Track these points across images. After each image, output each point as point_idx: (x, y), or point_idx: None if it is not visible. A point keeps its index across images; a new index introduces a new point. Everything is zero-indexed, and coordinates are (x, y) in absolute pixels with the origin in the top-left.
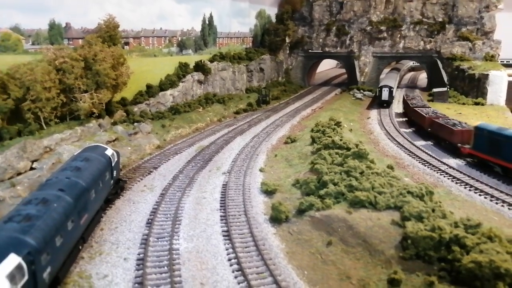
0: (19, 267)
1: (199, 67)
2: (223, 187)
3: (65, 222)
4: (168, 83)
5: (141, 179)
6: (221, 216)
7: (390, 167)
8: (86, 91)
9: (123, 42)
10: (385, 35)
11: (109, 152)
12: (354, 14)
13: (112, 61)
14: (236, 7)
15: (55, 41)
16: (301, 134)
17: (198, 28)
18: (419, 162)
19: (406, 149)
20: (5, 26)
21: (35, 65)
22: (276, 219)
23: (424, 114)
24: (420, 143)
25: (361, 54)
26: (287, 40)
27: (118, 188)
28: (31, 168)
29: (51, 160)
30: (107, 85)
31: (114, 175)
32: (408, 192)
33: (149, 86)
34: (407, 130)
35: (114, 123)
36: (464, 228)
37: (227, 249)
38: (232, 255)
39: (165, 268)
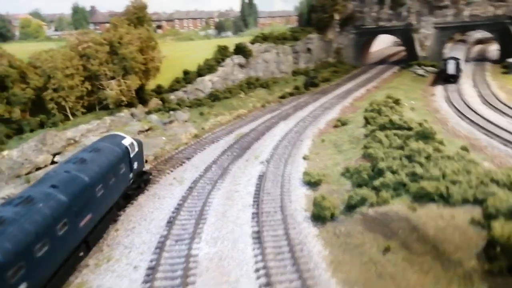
0: None
1: (240, 49)
2: (259, 178)
3: (53, 226)
4: (206, 68)
5: (172, 171)
6: (253, 213)
7: (465, 148)
8: (113, 78)
9: (155, 25)
10: (447, 2)
11: (127, 141)
12: None
13: (139, 44)
14: None
15: (79, 26)
16: (354, 116)
17: (236, 8)
18: (500, 142)
19: (482, 127)
20: (24, 12)
21: (57, 51)
22: (319, 217)
23: None
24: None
25: (420, 26)
26: (337, 17)
27: (141, 182)
28: (53, 162)
29: None
30: (135, 70)
31: (135, 167)
32: (492, 180)
33: (186, 72)
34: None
35: (149, 112)
36: None
37: (255, 256)
38: (261, 264)
39: (178, 280)
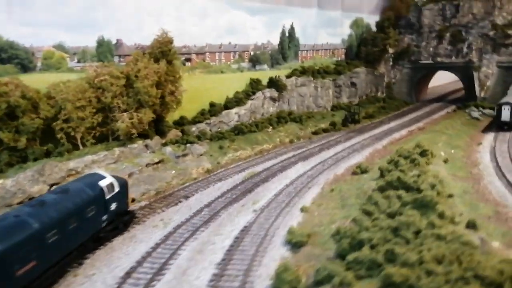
0: None
1: (273, 83)
2: (242, 230)
3: None
4: (234, 101)
5: (163, 211)
6: (213, 275)
7: (472, 224)
8: (126, 110)
9: (183, 58)
10: None
11: (105, 182)
12: (473, 17)
13: (156, 78)
14: (324, 16)
15: (104, 58)
16: (379, 162)
17: (275, 41)
18: None
19: None
20: (48, 45)
21: (73, 83)
22: None
23: None
24: None
25: (482, 64)
26: (391, 50)
27: (120, 222)
28: None
29: None
30: (149, 104)
31: (112, 208)
32: (476, 277)
33: (212, 104)
34: None
35: (165, 144)
36: None
37: None
38: None
39: None
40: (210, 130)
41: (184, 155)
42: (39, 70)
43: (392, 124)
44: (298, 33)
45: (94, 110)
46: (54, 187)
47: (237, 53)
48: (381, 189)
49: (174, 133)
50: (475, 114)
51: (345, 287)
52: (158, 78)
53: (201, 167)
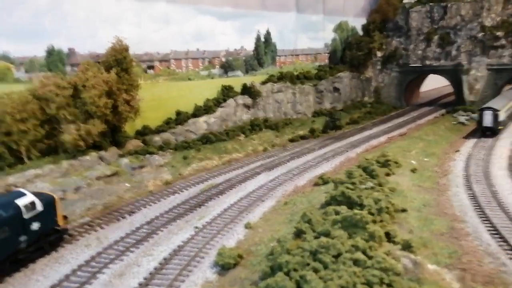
0: None
1: (246, 89)
2: (174, 250)
3: None
4: (203, 109)
5: (102, 228)
6: None
7: (407, 246)
8: (74, 122)
9: (145, 65)
10: (504, 42)
11: (24, 200)
12: (461, 19)
13: (106, 87)
14: (304, 20)
15: (54, 67)
16: (344, 172)
17: (249, 46)
18: (489, 230)
19: (479, 206)
20: None
21: (17, 94)
22: None
23: None
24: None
25: (471, 67)
26: (378, 54)
27: (45, 243)
28: None
29: None
30: (97, 114)
31: (34, 228)
32: None
33: (178, 113)
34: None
35: (122, 155)
36: None
37: None
38: None
39: None
40: (176, 140)
41: (141, 167)
42: None
43: (375, 130)
44: (275, 38)
45: (38, 122)
46: None
47: (206, 59)
48: (327, 204)
49: (134, 144)
50: (462, 118)
51: None
52: (108, 88)
53: (159, 179)
